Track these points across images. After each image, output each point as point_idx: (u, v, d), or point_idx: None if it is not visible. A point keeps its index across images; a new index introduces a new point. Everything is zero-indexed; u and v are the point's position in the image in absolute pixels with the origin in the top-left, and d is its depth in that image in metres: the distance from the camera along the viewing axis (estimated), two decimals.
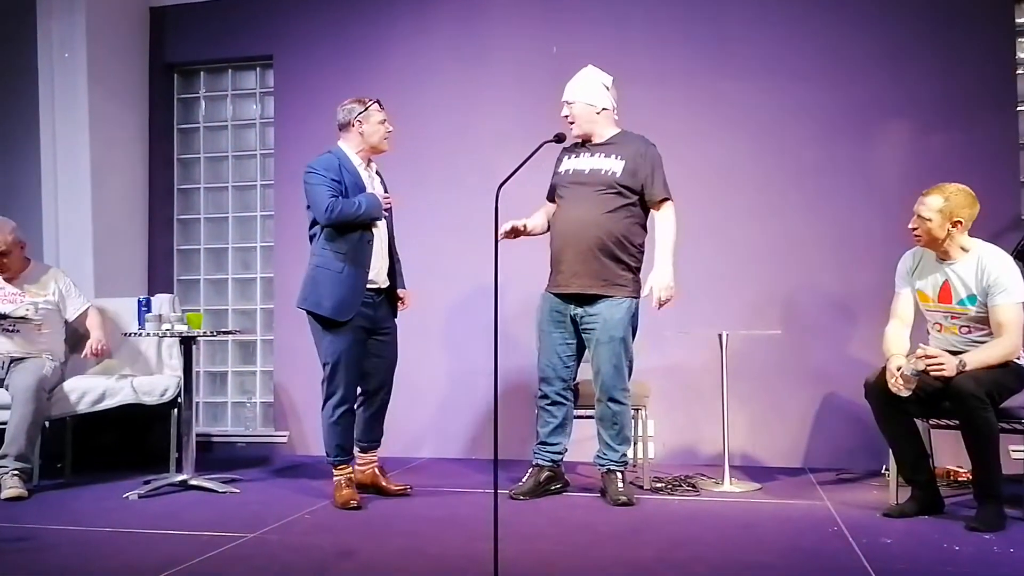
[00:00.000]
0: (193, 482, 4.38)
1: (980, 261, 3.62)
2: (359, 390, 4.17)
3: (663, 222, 4.09)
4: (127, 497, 4.20)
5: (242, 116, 6.19)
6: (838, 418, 4.96)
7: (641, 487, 4.33)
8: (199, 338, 4.71)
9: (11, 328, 4.65)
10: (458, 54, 5.59)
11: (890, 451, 3.79)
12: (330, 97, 5.67)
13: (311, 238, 4.10)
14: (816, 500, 4.08)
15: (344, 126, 4.15)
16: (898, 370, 3.55)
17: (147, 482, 4.39)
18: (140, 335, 4.52)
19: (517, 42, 5.51)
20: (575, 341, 4.15)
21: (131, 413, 4.86)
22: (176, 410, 4.79)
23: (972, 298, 3.64)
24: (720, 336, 4.46)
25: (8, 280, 4.73)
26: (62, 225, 5.61)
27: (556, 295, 4.14)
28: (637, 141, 4.15)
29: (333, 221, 3.95)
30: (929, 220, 3.61)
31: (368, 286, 4.04)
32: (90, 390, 4.68)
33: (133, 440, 5.30)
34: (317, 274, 4.01)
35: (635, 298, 4.08)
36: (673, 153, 5.25)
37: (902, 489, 3.83)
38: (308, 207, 4.06)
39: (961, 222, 3.61)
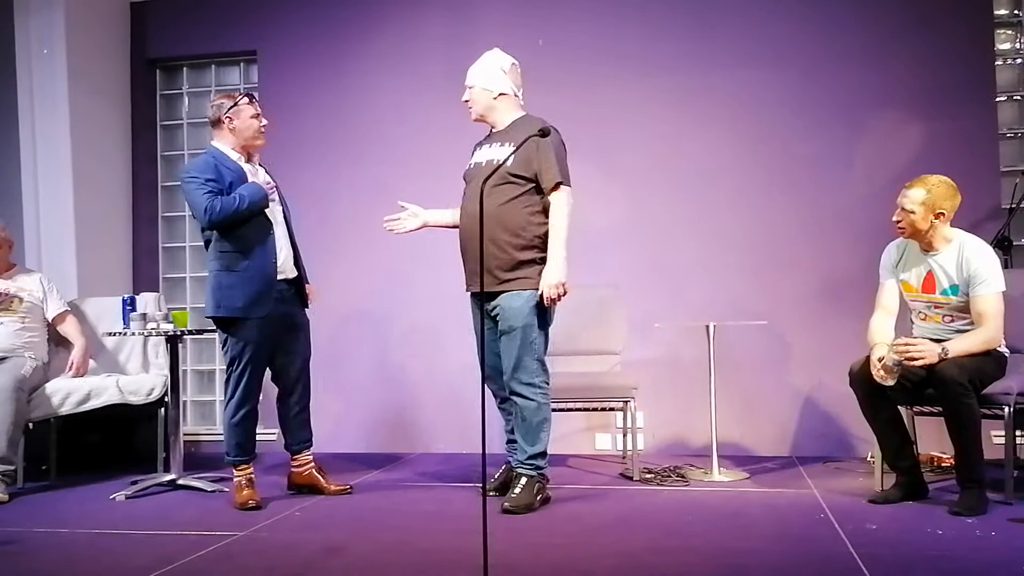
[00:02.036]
0: (181, 482, 4.37)
1: (962, 251, 3.66)
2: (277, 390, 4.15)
3: (555, 211, 3.82)
4: (114, 498, 4.19)
5: None
6: (825, 406, 5.00)
7: (631, 478, 4.35)
8: (185, 336, 4.69)
9: None
10: (445, 48, 5.58)
11: (875, 438, 3.82)
12: (315, 93, 5.71)
13: (206, 244, 3.95)
14: (803, 488, 4.12)
15: (215, 123, 3.98)
16: (880, 360, 3.58)
17: (134, 482, 4.37)
18: (125, 334, 4.50)
19: (504, 35, 5.45)
20: None
21: (117, 413, 4.84)
22: (163, 409, 4.78)
23: (954, 288, 3.68)
24: (707, 327, 4.48)
25: None
26: (44, 224, 5.56)
27: (473, 295, 4.02)
28: (533, 125, 3.74)
29: (216, 222, 3.79)
30: (913, 212, 3.64)
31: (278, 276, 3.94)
32: (75, 390, 4.66)
33: (120, 440, 5.27)
34: (221, 279, 3.87)
35: (539, 291, 3.82)
36: (660, 144, 5.29)
37: (887, 475, 3.87)
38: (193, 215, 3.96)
39: (944, 213, 3.65)
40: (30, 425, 4.53)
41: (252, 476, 3.99)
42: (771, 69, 5.18)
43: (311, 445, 4.21)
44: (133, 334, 4.45)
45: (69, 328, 4.85)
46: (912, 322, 3.90)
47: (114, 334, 4.57)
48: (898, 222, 3.71)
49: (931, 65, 4.99)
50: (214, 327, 4.22)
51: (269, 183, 3.98)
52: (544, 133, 3.38)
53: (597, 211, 5.29)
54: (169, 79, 6.24)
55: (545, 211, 3.87)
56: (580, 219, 5.25)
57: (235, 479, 3.98)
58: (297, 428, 4.16)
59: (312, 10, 5.79)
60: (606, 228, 5.28)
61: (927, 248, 3.74)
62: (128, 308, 4.54)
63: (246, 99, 4.00)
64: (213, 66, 6.14)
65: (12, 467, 4.33)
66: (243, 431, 3.95)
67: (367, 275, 5.55)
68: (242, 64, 6.09)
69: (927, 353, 3.50)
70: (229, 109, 3.94)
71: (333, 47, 5.73)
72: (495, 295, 3.86)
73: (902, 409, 3.82)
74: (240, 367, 3.91)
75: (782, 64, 5.17)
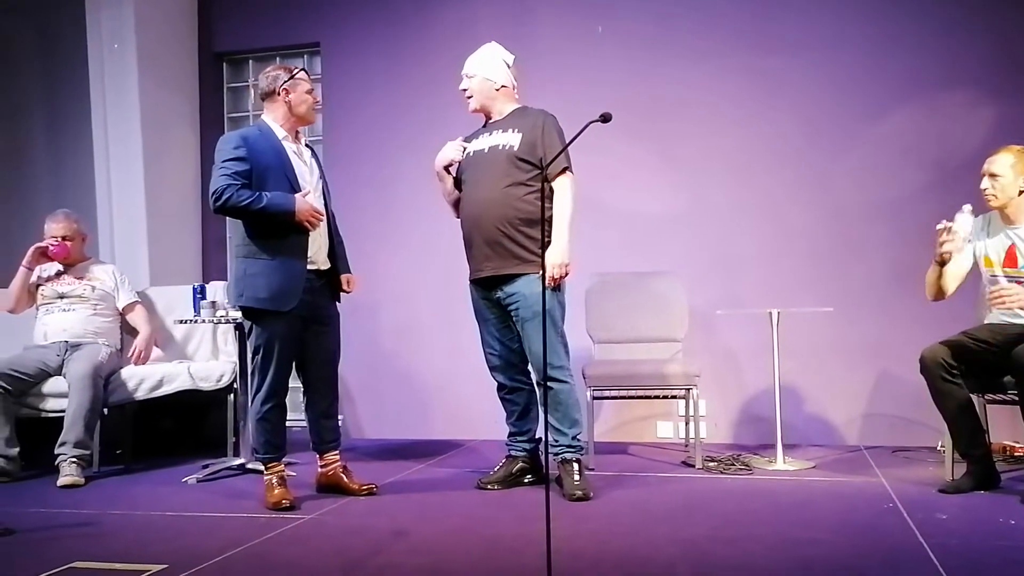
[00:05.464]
0: (250, 466, 4.44)
1: None
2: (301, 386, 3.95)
3: (561, 195, 3.80)
4: (186, 482, 4.30)
5: None
6: (893, 394, 4.91)
7: (693, 466, 4.33)
8: None
9: (68, 309, 4.79)
10: (503, 37, 5.52)
11: (946, 426, 3.75)
12: (377, 83, 5.76)
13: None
14: (871, 477, 4.06)
15: (268, 95, 3.78)
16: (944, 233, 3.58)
17: (205, 466, 4.48)
18: (196, 322, 4.59)
19: (563, 23, 5.49)
20: (512, 323, 3.94)
21: (188, 399, 4.95)
22: (232, 395, 4.87)
23: None
24: (771, 314, 4.43)
25: (67, 266, 4.88)
26: (116, 215, 5.72)
27: (476, 282, 3.97)
28: (535, 114, 3.90)
29: (220, 209, 3.62)
30: (1002, 176, 3.62)
31: (308, 266, 3.73)
32: (148, 377, 4.78)
33: (191, 426, 5.39)
34: (248, 266, 3.67)
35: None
36: (719, 130, 5.23)
37: (958, 464, 3.80)
38: None
39: None
40: (105, 411, 4.65)
41: (284, 474, 3.80)
42: (834, 49, 5.08)
43: (337, 446, 3.99)
44: (203, 321, 4.54)
45: (137, 318, 4.98)
46: (987, 301, 3.82)
47: (185, 321, 4.67)
48: (985, 190, 3.67)
49: (1005, 42, 4.85)
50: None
51: (318, 212, 3.72)
52: (606, 118, 3.35)
53: (658, 199, 5.28)
54: (235, 72, 6.36)
55: (550, 196, 3.83)
56: (641, 206, 5.28)
57: (266, 477, 3.77)
58: (322, 428, 3.94)
59: (373, 2, 5.84)
60: (666, 216, 5.25)
61: (1008, 221, 3.70)
62: (198, 296, 4.64)
63: (302, 72, 3.84)
64: (278, 58, 6.22)
65: (88, 452, 4.45)
66: (271, 427, 3.75)
67: (428, 262, 5.58)
68: (305, 56, 6.16)
69: (1018, 297, 3.45)
70: (286, 81, 3.75)
71: (394, 38, 5.77)
72: (506, 279, 3.84)
73: (974, 397, 3.74)
74: (265, 360, 3.68)
75: (843, 46, 5.07)
